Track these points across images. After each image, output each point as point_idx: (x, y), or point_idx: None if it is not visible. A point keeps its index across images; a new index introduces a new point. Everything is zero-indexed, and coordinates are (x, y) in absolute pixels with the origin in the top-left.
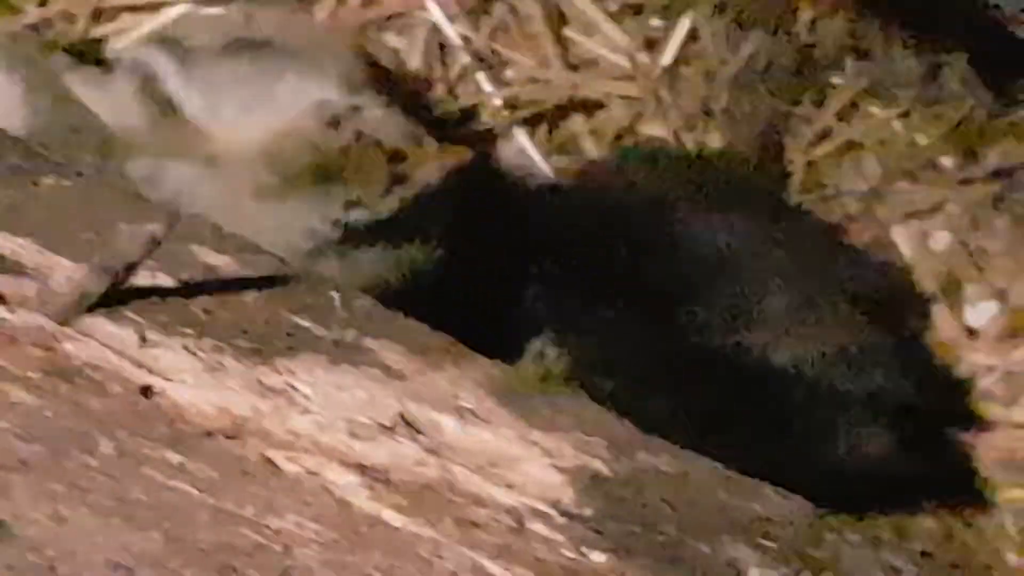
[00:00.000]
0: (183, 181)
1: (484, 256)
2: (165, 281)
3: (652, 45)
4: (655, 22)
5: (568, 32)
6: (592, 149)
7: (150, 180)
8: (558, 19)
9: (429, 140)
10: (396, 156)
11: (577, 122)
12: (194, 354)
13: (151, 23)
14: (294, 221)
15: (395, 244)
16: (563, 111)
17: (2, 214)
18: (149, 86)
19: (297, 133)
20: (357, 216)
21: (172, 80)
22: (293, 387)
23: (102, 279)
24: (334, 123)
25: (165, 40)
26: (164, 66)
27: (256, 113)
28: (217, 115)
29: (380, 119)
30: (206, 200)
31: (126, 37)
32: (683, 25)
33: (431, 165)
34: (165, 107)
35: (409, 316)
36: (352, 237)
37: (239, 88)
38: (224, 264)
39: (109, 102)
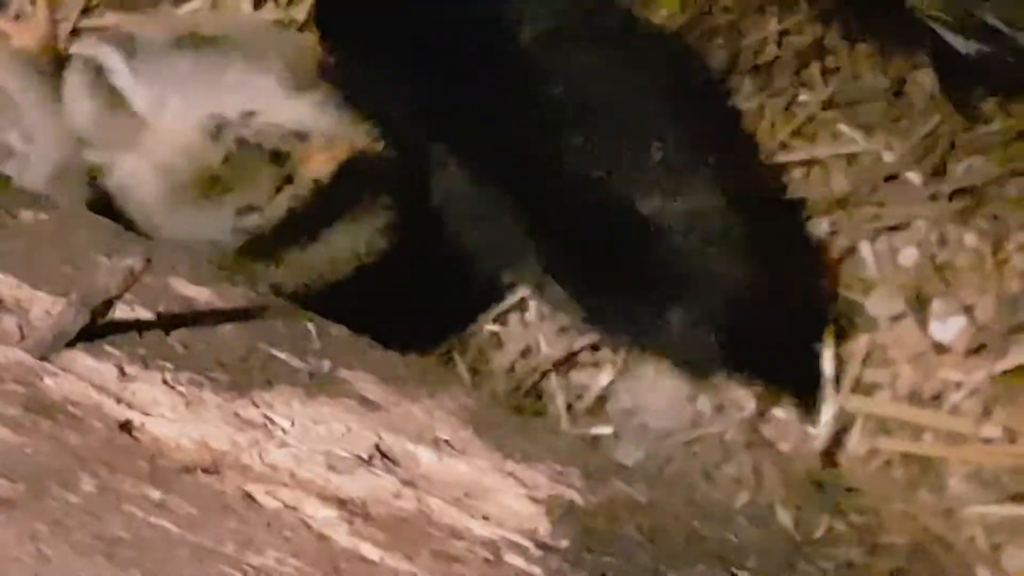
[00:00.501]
0: (128, 175)
1: None
2: (143, 314)
3: None
4: None
5: None
6: None
7: (96, 169)
8: None
9: (320, 136)
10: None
11: None
12: (172, 388)
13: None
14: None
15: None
16: None
17: None
18: (100, 80)
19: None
20: (251, 221)
21: (121, 74)
22: (271, 420)
23: (81, 314)
24: (215, 133)
25: (116, 35)
26: (113, 60)
27: (199, 107)
28: (163, 109)
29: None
30: (147, 195)
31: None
32: None
33: (318, 160)
34: (114, 100)
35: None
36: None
37: (184, 82)
38: (201, 296)
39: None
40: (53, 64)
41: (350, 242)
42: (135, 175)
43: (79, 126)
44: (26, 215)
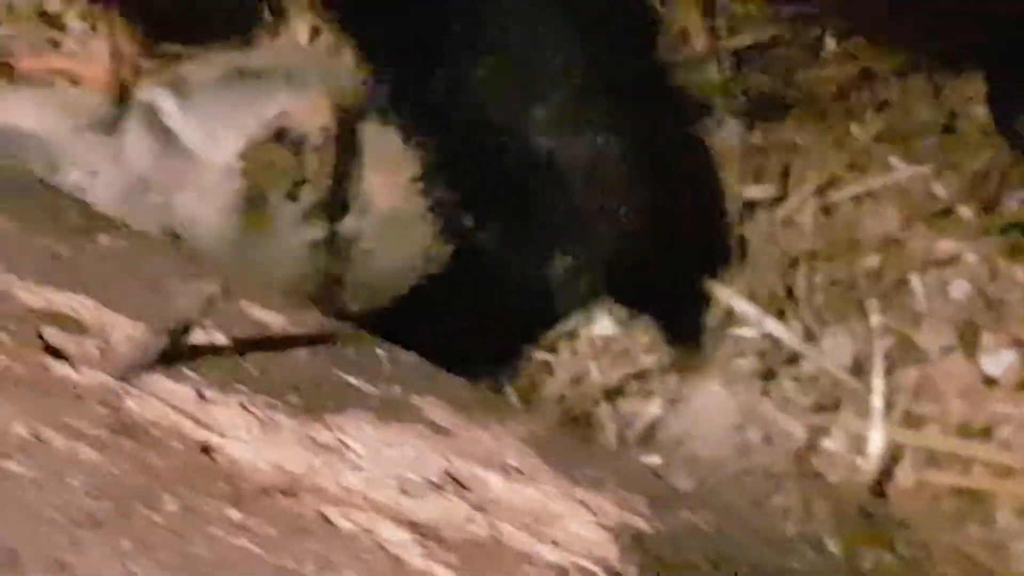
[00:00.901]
0: (186, 211)
1: None
2: (219, 338)
3: None
4: None
5: None
6: None
7: (160, 211)
8: None
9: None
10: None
11: None
12: (249, 411)
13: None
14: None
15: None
16: None
17: (63, 273)
18: (155, 123)
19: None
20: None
21: (173, 116)
22: (344, 444)
23: (161, 337)
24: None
25: (170, 77)
26: (166, 103)
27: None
28: (214, 145)
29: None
30: (206, 229)
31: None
32: None
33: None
34: (168, 141)
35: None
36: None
37: (235, 118)
38: (275, 321)
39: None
40: (115, 101)
41: (406, 256)
42: (193, 211)
43: (139, 170)
44: (104, 239)
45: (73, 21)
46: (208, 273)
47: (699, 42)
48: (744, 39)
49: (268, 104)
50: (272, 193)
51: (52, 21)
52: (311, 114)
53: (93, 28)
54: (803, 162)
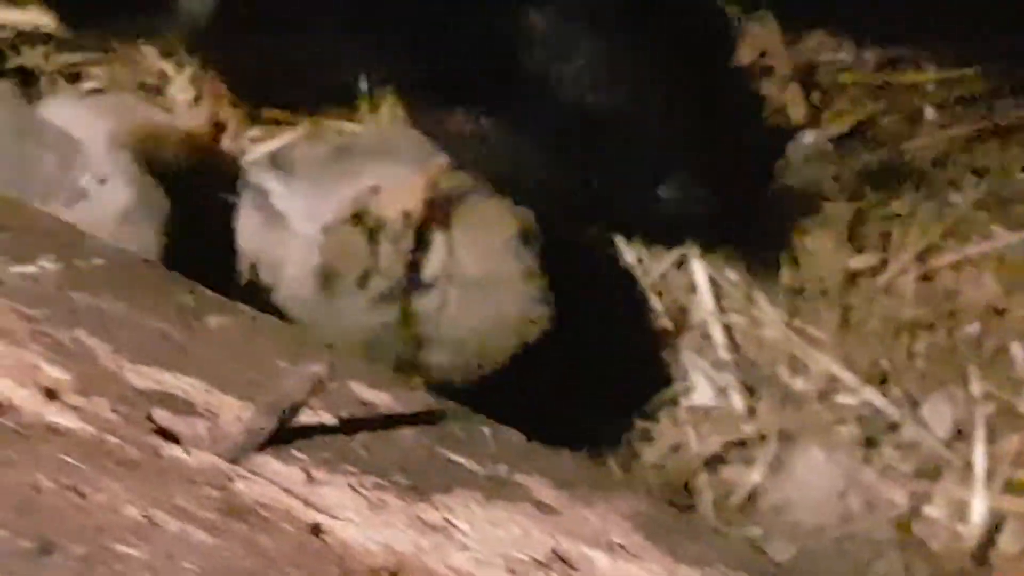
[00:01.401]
0: (288, 286)
1: None
2: (327, 418)
3: None
4: None
5: None
6: None
7: (267, 288)
8: None
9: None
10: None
11: None
12: (358, 491)
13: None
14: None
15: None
16: None
17: (173, 353)
18: (262, 202)
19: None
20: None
21: (279, 194)
22: (451, 523)
23: (270, 418)
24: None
25: (275, 158)
26: (272, 183)
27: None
28: (316, 221)
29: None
30: (293, 301)
31: (261, 147)
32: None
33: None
34: (274, 220)
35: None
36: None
37: (336, 193)
38: (381, 401)
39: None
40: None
41: (497, 322)
42: (294, 286)
43: (249, 250)
44: (213, 320)
45: (179, 93)
46: (316, 354)
47: (798, 113)
48: (844, 112)
49: (361, 181)
50: (345, 275)
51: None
52: (395, 196)
53: (197, 99)
54: (903, 230)
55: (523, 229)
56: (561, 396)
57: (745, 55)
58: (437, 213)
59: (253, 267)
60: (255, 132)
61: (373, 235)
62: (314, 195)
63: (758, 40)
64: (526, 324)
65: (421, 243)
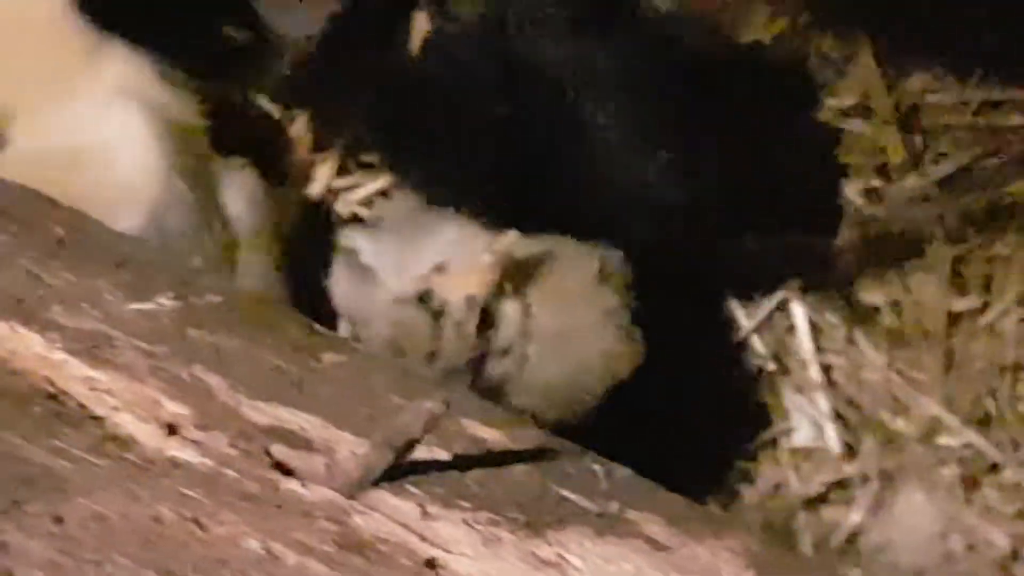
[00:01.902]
0: (383, 334)
1: None
2: (440, 454)
3: None
4: None
5: None
6: None
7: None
8: None
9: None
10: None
11: None
12: (472, 527)
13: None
14: None
15: None
16: None
17: (289, 389)
18: (353, 261)
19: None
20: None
21: (367, 252)
22: (564, 559)
23: (385, 454)
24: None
25: (364, 220)
26: (361, 241)
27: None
28: (401, 276)
29: None
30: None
31: (352, 196)
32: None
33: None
34: (364, 276)
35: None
36: None
37: (423, 250)
38: (493, 438)
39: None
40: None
41: (593, 358)
42: (381, 344)
43: (341, 307)
44: (327, 357)
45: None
46: (430, 390)
47: (900, 155)
48: (947, 154)
49: (437, 245)
50: (411, 353)
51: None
52: (460, 280)
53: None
54: (1006, 272)
55: (601, 269)
56: (661, 436)
57: (847, 97)
58: (509, 286)
59: (348, 323)
60: (347, 180)
61: (437, 317)
62: (398, 251)
63: (860, 82)
64: (612, 362)
65: (490, 318)
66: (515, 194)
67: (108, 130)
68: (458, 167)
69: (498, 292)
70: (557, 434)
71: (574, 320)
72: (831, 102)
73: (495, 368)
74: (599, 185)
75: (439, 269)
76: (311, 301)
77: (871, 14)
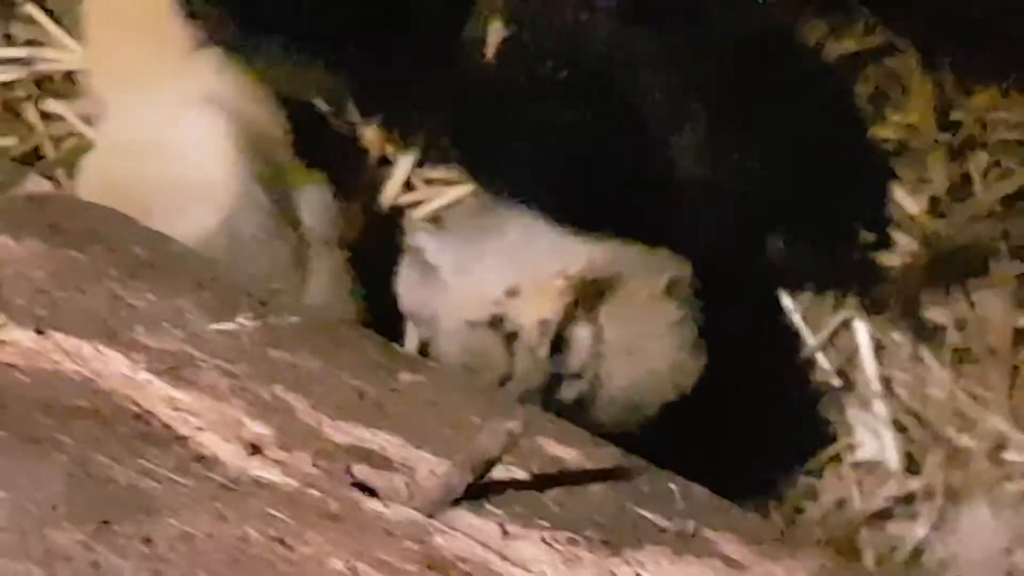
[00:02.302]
0: (448, 333)
1: None
2: (519, 474)
3: None
4: None
5: None
6: None
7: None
8: None
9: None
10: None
11: None
12: (551, 546)
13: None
14: None
15: None
16: None
17: (368, 409)
18: (419, 260)
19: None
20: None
21: (432, 251)
22: None
23: (465, 474)
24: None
25: (432, 221)
26: (426, 242)
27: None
28: (462, 282)
29: None
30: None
31: (423, 208)
32: None
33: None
34: (428, 274)
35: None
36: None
37: (483, 254)
38: (570, 457)
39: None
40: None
41: (661, 370)
42: (444, 340)
43: (407, 308)
44: (405, 376)
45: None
46: (507, 410)
47: (961, 173)
48: (1014, 172)
49: (500, 245)
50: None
51: None
52: (533, 304)
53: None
54: None
55: (670, 281)
56: (725, 451)
57: (911, 112)
58: (581, 308)
59: (415, 323)
60: (415, 194)
61: (510, 341)
62: (461, 250)
63: (925, 97)
64: (678, 375)
65: (563, 342)
66: (591, 194)
67: (191, 131)
68: (536, 168)
69: (570, 315)
70: (619, 445)
71: (642, 333)
72: (895, 117)
73: (568, 391)
74: (669, 185)
75: (512, 293)
76: (381, 308)
77: (936, 28)
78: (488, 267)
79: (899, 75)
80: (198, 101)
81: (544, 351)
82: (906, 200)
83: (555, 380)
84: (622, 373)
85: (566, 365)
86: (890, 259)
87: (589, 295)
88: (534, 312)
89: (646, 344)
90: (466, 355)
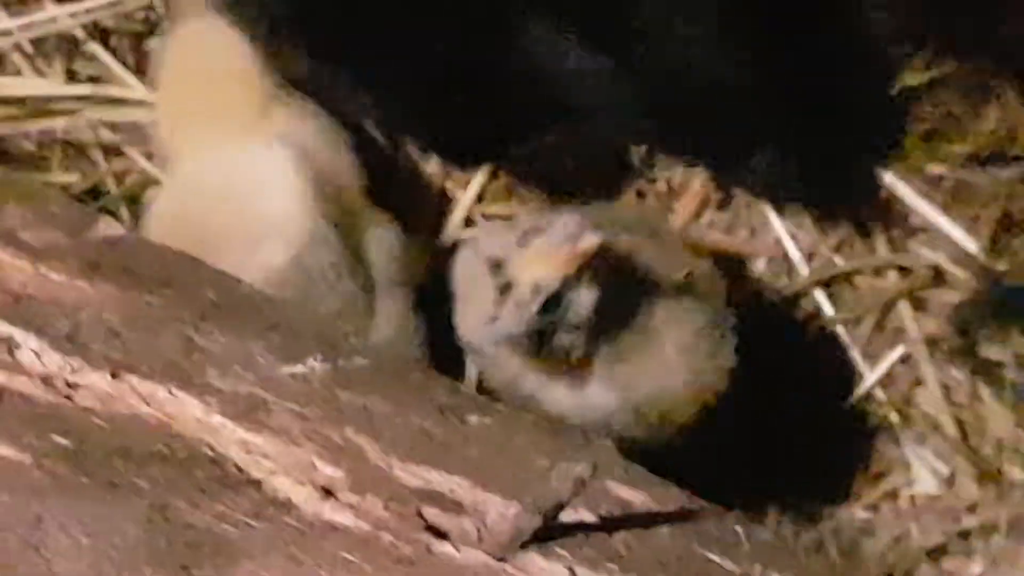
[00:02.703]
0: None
1: None
2: (587, 516)
3: None
4: None
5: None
6: None
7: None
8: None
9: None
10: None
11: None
12: None
13: None
14: None
15: None
16: None
17: (438, 451)
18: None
19: None
20: None
21: (486, 244)
22: None
23: (535, 517)
24: None
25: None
26: (481, 235)
27: None
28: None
29: None
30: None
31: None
32: None
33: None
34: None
35: None
36: None
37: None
38: (637, 499)
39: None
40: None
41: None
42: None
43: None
44: (473, 419)
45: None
46: (575, 452)
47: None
48: None
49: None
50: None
51: None
52: (531, 264)
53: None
54: None
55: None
56: (783, 486)
57: (984, 146)
58: (585, 276)
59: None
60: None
61: (503, 291)
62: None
63: (987, 136)
64: (699, 387)
65: (560, 298)
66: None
67: (264, 171)
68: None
69: (571, 281)
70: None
71: (659, 338)
72: (953, 151)
73: (561, 340)
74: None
75: (522, 239)
76: (441, 344)
77: (994, 62)
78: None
79: (955, 111)
80: (271, 140)
81: (532, 309)
82: (963, 236)
83: (549, 328)
84: (642, 380)
85: (563, 321)
86: (948, 295)
87: (596, 268)
88: (533, 269)
89: (666, 351)
90: (461, 282)
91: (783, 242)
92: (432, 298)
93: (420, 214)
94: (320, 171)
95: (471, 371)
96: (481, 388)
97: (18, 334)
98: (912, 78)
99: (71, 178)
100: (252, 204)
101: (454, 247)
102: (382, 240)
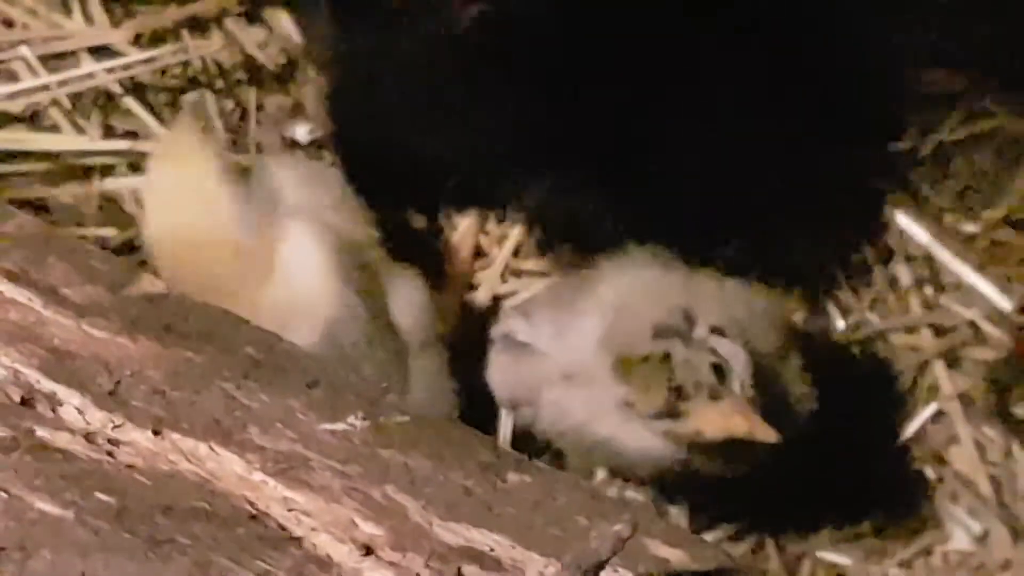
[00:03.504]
0: (553, 402)
1: None
2: (625, 575)
3: None
4: None
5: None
6: None
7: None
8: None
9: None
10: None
11: None
12: None
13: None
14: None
15: None
16: None
17: (478, 510)
18: (510, 342)
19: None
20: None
21: (523, 333)
22: None
23: (574, 575)
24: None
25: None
26: (515, 324)
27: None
28: (561, 345)
29: None
30: (574, 414)
31: (514, 299)
32: None
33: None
34: (523, 353)
35: None
36: None
37: (578, 315)
38: (676, 557)
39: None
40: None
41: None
42: (552, 411)
43: (501, 393)
44: (513, 476)
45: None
46: (614, 511)
47: None
48: None
49: (598, 304)
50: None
51: None
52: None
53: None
54: None
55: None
56: (817, 542)
57: (1016, 208)
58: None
59: (509, 408)
60: (510, 285)
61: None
62: (555, 319)
63: (1019, 195)
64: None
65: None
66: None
67: (286, 250)
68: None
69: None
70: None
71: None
72: (985, 212)
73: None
74: None
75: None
76: (475, 401)
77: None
78: (586, 321)
79: (988, 169)
80: (289, 220)
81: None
82: (996, 294)
83: None
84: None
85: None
86: (981, 353)
87: None
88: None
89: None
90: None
91: (820, 299)
92: (465, 354)
93: (452, 269)
94: (338, 237)
95: (506, 427)
96: (515, 445)
97: (61, 391)
98: (947, 135)
99: (108, 232)
100: (280, 285)
101: (494, 302)
102: (410, 301)
